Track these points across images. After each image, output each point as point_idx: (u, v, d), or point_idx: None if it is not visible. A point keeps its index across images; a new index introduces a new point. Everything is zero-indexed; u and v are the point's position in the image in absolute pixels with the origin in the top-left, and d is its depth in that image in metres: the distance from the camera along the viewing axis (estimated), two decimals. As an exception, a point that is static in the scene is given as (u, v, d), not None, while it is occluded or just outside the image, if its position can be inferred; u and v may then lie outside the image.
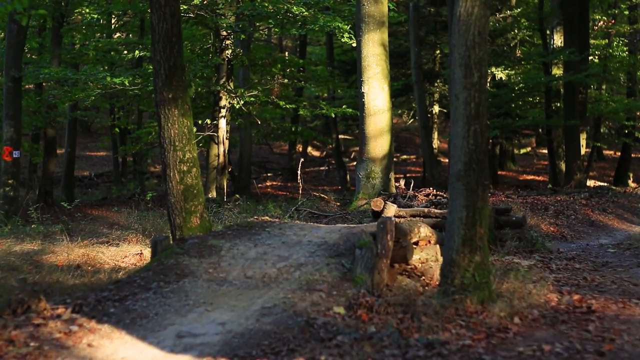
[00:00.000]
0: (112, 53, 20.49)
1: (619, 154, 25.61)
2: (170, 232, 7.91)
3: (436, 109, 26.82)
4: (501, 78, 22.26)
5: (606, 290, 7.14)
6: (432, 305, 5.82)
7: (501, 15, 23.14)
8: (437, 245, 7.64)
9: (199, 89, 17.89)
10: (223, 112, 17.55)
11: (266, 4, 15.81)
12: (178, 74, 7.77)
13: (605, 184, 21.89)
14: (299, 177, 19.29)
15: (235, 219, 9.77)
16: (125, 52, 20.49)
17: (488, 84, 7.54)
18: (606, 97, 25.94)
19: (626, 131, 24.79)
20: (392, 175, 15.30)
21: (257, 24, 17.92)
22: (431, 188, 16.57)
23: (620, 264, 9.26)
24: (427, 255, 7.43)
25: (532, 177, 26.62)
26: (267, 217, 8.49)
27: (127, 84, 15.87)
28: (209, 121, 17.21)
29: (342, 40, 16.89)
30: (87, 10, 16.91)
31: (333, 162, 26.77)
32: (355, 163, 18.86)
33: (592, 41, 24.09)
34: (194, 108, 13.27)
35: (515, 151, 30.48)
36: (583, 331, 5.59)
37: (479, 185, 5.97)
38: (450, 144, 6.12)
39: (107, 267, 8.69)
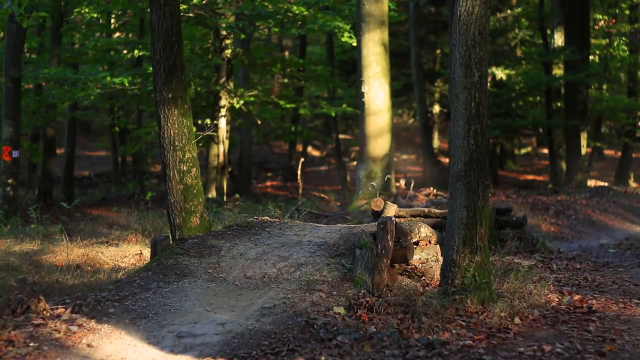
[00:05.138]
0: (111, 52, 20.46)
1: (620, 153, 25.57)
2: (170, 232, 7.89)
3: (436, 108, 26.81)
4: (501, 78, 22.25)
5: (607, 291, 7.12)
6: (433, 306, 5.81)
7: (502, 15, 23.14)
8: (438, 246, 7.61)
9: (199, 89, 17.87)
10: (223, 111, 17.53)
11: (266, 4, 15.78)
12: (178, 74, 7.75)
13: (606, 184, 21.86)
14: (299, 177, 19.28)
15: (235, 219, 9.74)
16: (125, 51, 20.46)
17: (488, 84, 7.52)
18: (607, 96, 25.90)
19: (627, 131, 24.77)
20: (392, 175, 15.28)
21: (257, 23, 17.89)
22: (431, 188, 16.58)
23: (621, 264, 9.25)
24: (427, 255, 7.41)
25: (532, 177, 26.59)
26: (267, 217, 8.46)
27: (127, 84, 15.84)
28: (208, 121, 17.19)
29: (342, 39, 16.86)
30: (87, 10, 16.84)
31: (333, 162, 26.75)
32: (355, 163, 18.85)
33: (592, 41, 24.06)
34: (193, 108, 13.24)
35: (516, 151, 30.45)
36: (584, 331, 5.57)
37: (480, 185, 5.96)
38: (451, 144, 6.10)
39: (107, 267, 8.67)
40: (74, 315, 5.63)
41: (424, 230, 7.51)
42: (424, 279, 7.02)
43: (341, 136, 28.04)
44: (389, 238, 6.62)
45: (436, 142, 26.79)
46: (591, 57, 23.36)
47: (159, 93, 7.72)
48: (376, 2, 14.90)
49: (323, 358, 4.80)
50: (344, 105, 22.13)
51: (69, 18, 18.41)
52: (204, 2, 15.90)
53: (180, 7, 8.72)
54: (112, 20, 20.43)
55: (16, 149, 15.16)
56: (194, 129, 8.29)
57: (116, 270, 8.39)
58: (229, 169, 19.94)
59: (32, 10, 14.02)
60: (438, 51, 25.82)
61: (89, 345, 5.17)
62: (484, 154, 5.99)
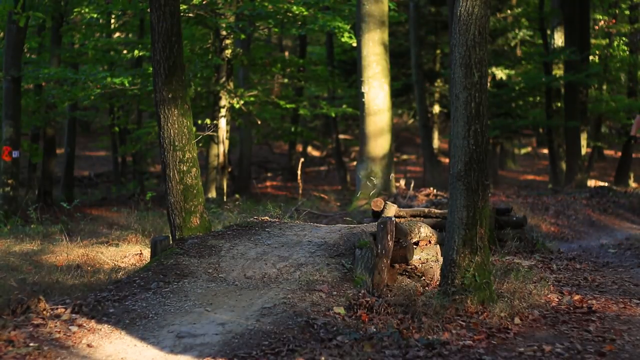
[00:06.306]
0: (111, 53, 20.47)
1: (620, 153, 25.58)
2: (169, 232, 7.89)
3: (436, 108, 26.82)
4: (501, 78, 22.26)
5: (607, 291, 7.12)
6: (433, 306, 5.81)
7: (502, 15, 23.15)
8: (438, 246, 7.61)
9: (199, 89, 17.87)
10: (223, 112, 17.53)
11: (266, 4, 15.78)
12: (178, 74, 7.75)
13: (606, 184, 21.85)
14: (299, 177, 19.28)
15: (235, 219, 9.75)
16: (125, 51, 20.47)
17: (488, 84, 7.53)
18: (607, 96, 25.92)
19: (627, 131, 24.76)
20: (392, 175, 15.29)
21: (257, 23, 17.90)
22: (431, 188, 16.56)
23: (621, 264, 9.24)
24: (427, 255, 7.41)
25: (532, 177, 26.60)
26: (267, 217, 8.46)
27: (127, 84, 15.85)
28: (208, 121, 17.20)
29: (342, 39, 16.86)
30: (87, 10, 16.84)
31: (333, 162, 26.75)
32: (355, 163, 18.85)
33: (592, 41, 24.07)
34: (193, 108, 13.26)
35: (516, 151, 30.46)
36: (584, 331, 5.57)
37: (480, 185, 5.96)
38: (451, 144, 6.10)
39: (107, 267, 8.67)
40: (74, 315, 5.63)
41: (424, 230, 7.51)
42: (424, 279, 7.02)
43: (341, 136, 28.05)
44: (389, 238, 6.62)
45: (436, 142, 26.79)
46: (591, 58, 23.37)
47: (159, 93, 7.73)
48: (376, 2, 14.90)
49: (323, 358, 4.80)
50: (344, 106, 22.14)
51: (69, 18, 18.41)
52: (204, 2, 15.90)
53: (180, 7, 8.73)
54: (112, 20, 20.43)
55: (16, 149, 15.17)
56: (194, 129, 8.30)
57: (116, 270, 8.38)
58: (229, 169, 19.94)
59: (31, 9, 14.00)
60: (438, 51, 25.82)
61: (89, 346, 5.17)
62: (484, 154, 5.99)
